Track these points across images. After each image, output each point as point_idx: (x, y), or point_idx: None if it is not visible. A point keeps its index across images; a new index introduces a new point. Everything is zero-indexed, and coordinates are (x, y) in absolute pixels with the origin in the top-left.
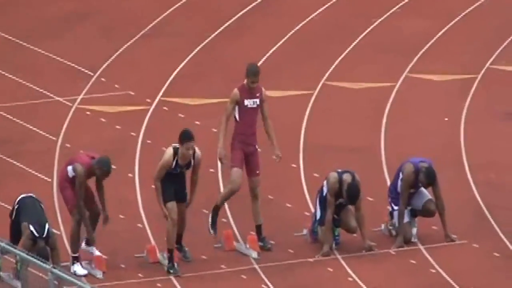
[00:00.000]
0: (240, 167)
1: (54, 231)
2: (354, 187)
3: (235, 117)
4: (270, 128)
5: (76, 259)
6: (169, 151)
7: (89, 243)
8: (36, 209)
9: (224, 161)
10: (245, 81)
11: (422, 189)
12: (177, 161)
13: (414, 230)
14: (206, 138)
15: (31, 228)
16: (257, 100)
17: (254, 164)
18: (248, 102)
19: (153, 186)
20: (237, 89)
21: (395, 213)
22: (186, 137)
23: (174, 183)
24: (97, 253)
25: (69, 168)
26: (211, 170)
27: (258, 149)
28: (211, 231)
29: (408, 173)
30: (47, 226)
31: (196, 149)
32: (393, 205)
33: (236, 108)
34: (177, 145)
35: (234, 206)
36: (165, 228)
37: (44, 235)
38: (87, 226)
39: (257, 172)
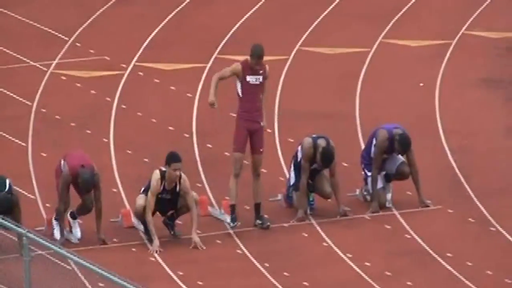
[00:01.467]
0: (241, 151)
1: (30, 195)
2: (328, 151)
3: (238, 93)
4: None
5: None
6: (156, 175)
7: (74, 216)
8: None
9: (214, 106)
10: (249, 58)
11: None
12: (164, 185)
13: (389, 196)
14: (181, 103)
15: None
16: (260, 77)
17: (258, 142)
18: (250, 79)
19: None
20: (240, 64)
21: (369, 179)
22: (173, 158)
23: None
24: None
25: (62, 162)
26: (186, 135)
27: (262, 125)
28: (231, 224)
29: (382, 139)
30: (7, 181)
31: (182, 173)
32: (366, 171)
33: (239, 84)
34: (163, 168)
35: (209, 171)
36: (140, 192)
37: (6, 190)
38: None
39: (261, 150)
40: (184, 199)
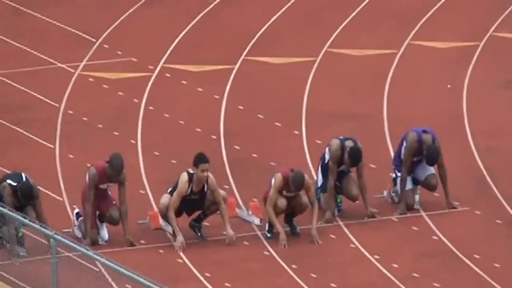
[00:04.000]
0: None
1: (58, 197)
2: (356, 149)
3: None
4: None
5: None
6: (184, 177)
7: (102, 220)
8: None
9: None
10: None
11: None
12: (192, 187)
13: (417, 197)
14: (208, 104)
15: (9, 181)
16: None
17: None
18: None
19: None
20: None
21: (398, 180)
22: (201, 159)
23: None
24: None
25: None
26: (213, 136)
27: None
28: (268, 234)
29: (411, 142)
30: (23, 174)
31: (209, 173)
32: (396, 172)
33: None
34: (190, 170)
35: (237, 173)
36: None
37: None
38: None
39: None
40: (212, 197)
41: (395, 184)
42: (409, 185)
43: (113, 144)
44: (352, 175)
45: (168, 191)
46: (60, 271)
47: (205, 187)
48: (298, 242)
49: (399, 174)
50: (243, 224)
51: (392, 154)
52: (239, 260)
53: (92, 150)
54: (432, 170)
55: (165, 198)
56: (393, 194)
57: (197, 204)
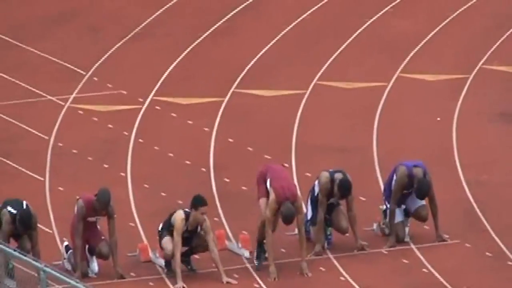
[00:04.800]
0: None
1: (47, 230)
2: (345, 182)
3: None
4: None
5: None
6: (180, 215)
7: (92, 253)
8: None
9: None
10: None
11: None
12: (187, 226)
13: (407, 230)
14: (198, 137)
15: (9, 209)
16: None
17: None
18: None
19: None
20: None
21: (388, 211)
22: (201, 202)
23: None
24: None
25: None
26: (203, 169)
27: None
28: (256, 261)
29: (401, 176)
30: (24, 202)
31: (206, 216)
32: (387, 203)
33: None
34: (187, 209)
35: (226, 205)
36: (157, 226)
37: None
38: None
39: None
40: (201, 239)
41: (385, 216)
42: (399, 217)
43: (102, 176)
44: (341, 207)
45: (160, 227)
46: None
47: (198, 228)
48: (288, 274)
49: (389, 206)
50: (232, 256)
51: (382, 187)
52: None
53: (82, 183)
54: (423, 201)
55: (168, 243)
56: (384, 226)
57: (185, 241)
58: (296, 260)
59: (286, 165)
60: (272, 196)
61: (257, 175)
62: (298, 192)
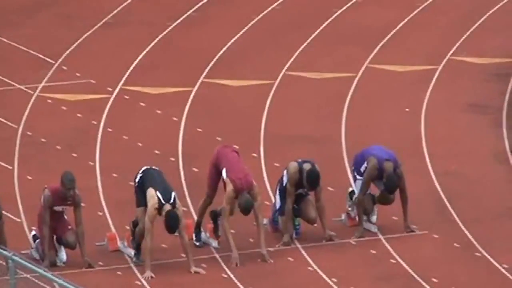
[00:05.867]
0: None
1: (16, 218)
2: (314, 172)
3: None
4: None
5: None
6: (153, 202)
7: (60, 242)
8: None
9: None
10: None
11: None
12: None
13: (374, 218)
14: (167, 126)
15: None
16: None
17: None
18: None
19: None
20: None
21: (358, 183)
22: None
23: None
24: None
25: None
26: (172, 159)
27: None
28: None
29: (372, 168)
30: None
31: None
32: (355, 173)
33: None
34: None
35: (195, 195)
36: (125, 215)
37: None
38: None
39: None
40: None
41: (351, 198)
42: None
43: (71, 165)
44: (310, 198)
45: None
46: None
47: None
48: (255, 263)
49: (358, 178)
50: (200, 246)
51: (350, 177)
52: (197, 283)
53: (51, 172)
54: None
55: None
56: (350, 209)
57: None
58: (257, 251)
59: (236, 147)
60: (230, 187)
61: (210, 161)
62: (253, 181)
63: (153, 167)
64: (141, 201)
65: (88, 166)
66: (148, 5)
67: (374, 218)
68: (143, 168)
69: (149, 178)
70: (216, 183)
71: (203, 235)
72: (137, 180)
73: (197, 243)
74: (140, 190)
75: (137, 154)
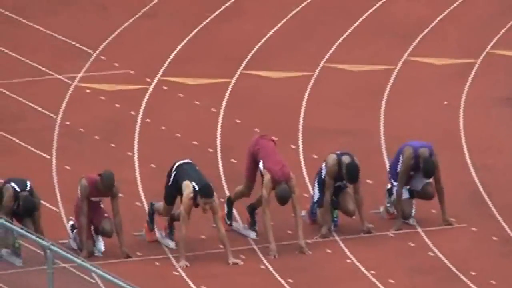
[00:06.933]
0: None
1: (54, 208)
2: (353, 166)
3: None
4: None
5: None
6: (188, 193)
7: (97, 232)
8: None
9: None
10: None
11: None
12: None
13: (412, 211)
14: (205, 117)
15: (193, 184)
16: None
17: None
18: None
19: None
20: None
21: (395, 188)
22: (206, 193)
23: None
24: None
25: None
26: (210, 150)
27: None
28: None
29: (408, 158)
30: (28, 183)
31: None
32: (392, 181)
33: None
34: (194, 184)
35: (233, 186)
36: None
37: (28, 189)
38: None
39: None
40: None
41: (390, 195)
42: (405, 196)
43: (109, 155)
44: (348, 190)
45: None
46: (56, 282)
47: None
48: (293, 255)
49: (395, 183)
50: (238, 237)
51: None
52: (235, 274)
53: (89, 162)
54: (428, 180)
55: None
56: (389, 205)
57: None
58: (295, 242)
59: (275, 138)
60: (267, 176)
61: (248, 152)
62: (291, 172)
63: (186, 161)
64: (169, 199)
65: (126, 157)
66: None
67: (412, 211)
68: (175, 165)
69: (181, 175)
70: (254, 173)
71: (240, 225)
72: (171, 179)
73: (228, 222)
74: (174, 188)
75: (175, 145)
